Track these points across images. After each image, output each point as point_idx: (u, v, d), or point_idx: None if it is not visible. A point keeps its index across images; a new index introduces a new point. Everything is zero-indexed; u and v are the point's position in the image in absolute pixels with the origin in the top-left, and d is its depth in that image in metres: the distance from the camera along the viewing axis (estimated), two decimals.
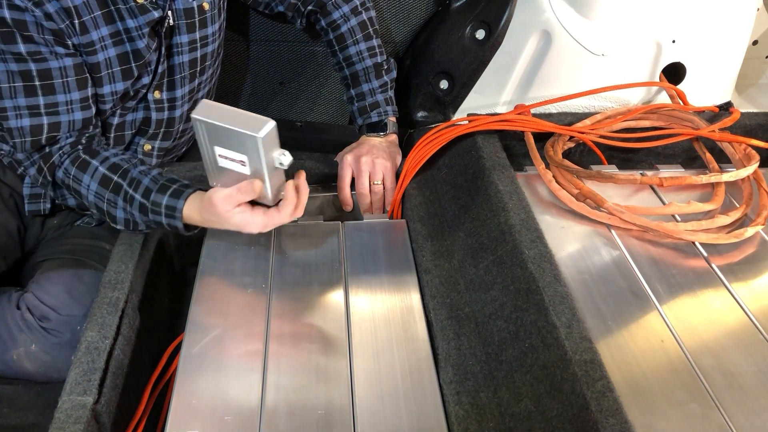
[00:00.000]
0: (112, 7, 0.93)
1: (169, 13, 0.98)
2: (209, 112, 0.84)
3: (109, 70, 0.96)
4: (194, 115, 0.84)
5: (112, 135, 1.06)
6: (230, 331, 0.89)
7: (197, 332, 0.89)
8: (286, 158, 0.86)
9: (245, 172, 0.88)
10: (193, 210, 0.91)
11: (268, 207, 0.93)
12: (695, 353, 0.79)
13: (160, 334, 1.03)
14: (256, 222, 0.91)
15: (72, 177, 0.95)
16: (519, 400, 0.79)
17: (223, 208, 0.88)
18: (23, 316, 1.01)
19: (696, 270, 0.93)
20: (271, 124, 0.83)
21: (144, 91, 1.03)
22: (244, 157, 0.86)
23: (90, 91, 0.96)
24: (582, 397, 0.70)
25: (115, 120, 1.04)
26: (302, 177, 0.94)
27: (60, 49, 0.91)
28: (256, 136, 0.81)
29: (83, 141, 0.97)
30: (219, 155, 0.87)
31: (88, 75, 0.95)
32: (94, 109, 0.98)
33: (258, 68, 1.41)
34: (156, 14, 0.95)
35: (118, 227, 0.96)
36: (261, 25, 1.34)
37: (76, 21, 0.90)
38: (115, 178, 0.94)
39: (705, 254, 0.96)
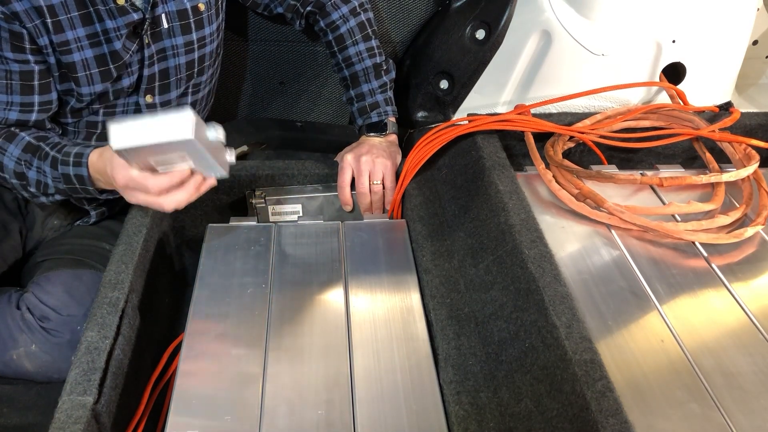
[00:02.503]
0: (91, 9, 0.92)
1: (162, 15, 0.98)
2: (126, 136, 0.76)
3: (87, 72, 0.96)
4: (115, 147, 0.77)
5: (98, 132, 1.06)
6: (230, 331, 0.89)
7: (197, 332, 0.89)
8: (220, 131, 0.83)
9: (189, 166, 0.85)
10: (99, 161, 0.90)
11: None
12: (695, 353, 0.79)
13: (160, 334, 1.03)
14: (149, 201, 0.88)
15: None
16: (519, 400, 0.79)
17: (123, 182, 0.85)
18: (23, 316, 1.01)
19: (696, 270, 0.93)
20: (190, 114, 0.76)
21: (129, 92, 1.03)
22: (182, 153, 0.82)
23: (38, 98, 0.96)
24: (582, 397, 0.70)
25: (99, 118, 1.05)
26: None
27: (9, 54, 0.91)
28: (190, 138, 0.75)
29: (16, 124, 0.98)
30: (156, 164, 0.83)
31: (37, 83, 0.95)
32: (39, 117, 0.97)
33: (258, 68, 1.41)
34: (135, 16, 0.95)
35: (31, 190, 0.96)
36: (261, 25, 1.34)
37: (49, 20, 0.90)
38: (39, 143, 0.95)
39: (705, 254, 0.96)
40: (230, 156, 0.90)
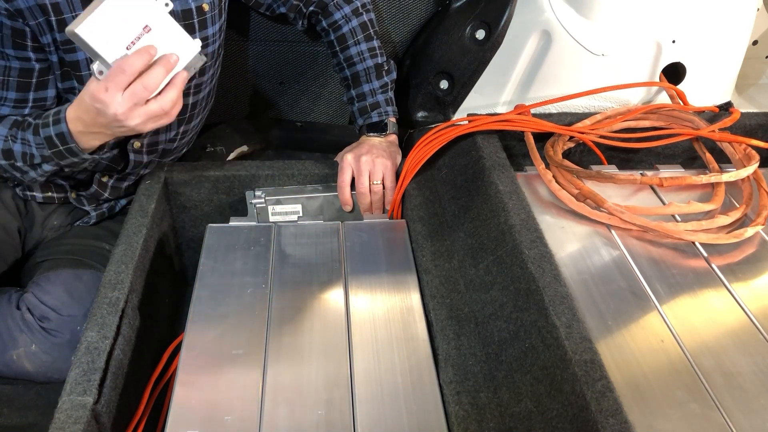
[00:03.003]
0: None
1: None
2: (81, 18, 0.77)
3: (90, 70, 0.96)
4: (75, 28, 0.76)
5: None
6: (230, 331, 0.89)
7: (197, 332, 0.89)
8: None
9: (158, 37, 0.82)
10: (77, 108, 0.86)
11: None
12: (695, 353, 0.79)
13: (160, 334, 1.03)
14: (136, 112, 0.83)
15: None
16: (519, 400, 0.79)
17: (101, 95, 0.81)
18: (23, 316, 1.01)
19: (696, 270, 0.93)
20: None
21: None
22: (144, 20, 0.80)
23: (33, 95, 0.95)
24: (582, 397, 0.70)
25: None
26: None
27: (10, 51, 0.91)
28: None
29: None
30: (126, 47, 0.80)
31: (35, 81, 0.95)
32: (31, 113, 0.97)
33: (258, 68, 1.41)
34: None
35: (18, 165, 0.94)
36: (261, 25, 1.34)
37: (53, 18, 0.90)
38: (25, 118, 0.94)
39: (705, 254, 0.96)
40: (194, 37, 0.86)
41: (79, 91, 0.97)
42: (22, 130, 0.93)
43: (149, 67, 0.81)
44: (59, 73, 0.97)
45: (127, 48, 0.80)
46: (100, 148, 0.94)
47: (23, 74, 0.94)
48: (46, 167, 0.95)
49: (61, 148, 0.90)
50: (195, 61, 0.86)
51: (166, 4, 0.82)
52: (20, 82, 0.94)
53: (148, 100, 0.82)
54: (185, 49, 0.84)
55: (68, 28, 0.78)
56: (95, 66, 0.81)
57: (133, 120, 0.83)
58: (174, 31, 0.83)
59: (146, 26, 0.81)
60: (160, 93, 0.83)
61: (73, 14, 0.91)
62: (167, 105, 0.84)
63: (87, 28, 0.78)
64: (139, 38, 0.81)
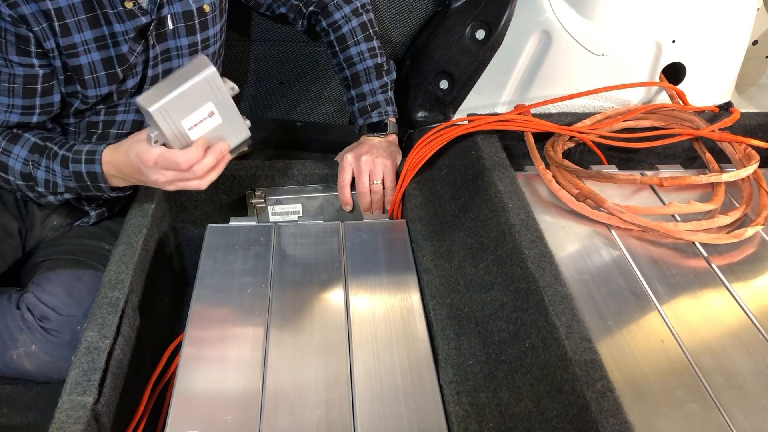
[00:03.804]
0: (99, 12, 0.92)
1: (168, 17, 0.98)
2: (156, 96, 0.81)
3: (94, 74, 0.96)
4: (152, 108, 0.80)
5: (98, 132, 1.06)
6: (230, 331, 0.89)
7: (197, 332, 0.89)
8: (232, 83, 0.86)
9: (218, 122, 0.86)
10: (116, 154, 0.90)
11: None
12: (695, 353, 0.79)
13: (160, 334, 1.03)
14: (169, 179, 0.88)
15: (1, 150, 0.95)
16: (519, 400, 0.79)
17: (146, 161, 0.85)
18: (23, 316, 1.01)
19: (696, 270, 0.93)
20: (204, 57, 0.84)
21: (132, 93, 1.03)
22: (211, 106, 0.84)
23: (40, 101, 0.96)
24: (582, 397, 0.70)
25: (101, 118, 1.05)
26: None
27: (14, 58, 0.91)
28: (212, 70, 0.82)
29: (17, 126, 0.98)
30: (189, 129, 0.85)
31: (40, 87, 0.95)
32: (40, 119, 0.98)
33: (258, 68, 1.41)
34: (144, 20, 0.95)
35: (39, 189, 0.96)
36: (261, 25, 1.34)
37: (56, 23, 0.90)
38: (45, 143, 0.95)
39: (705, 254, 0.96)
40: (246, 120, 0.90)
41: (83, 95, 0.98)
42: (47, 158, 0.94)
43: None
44: (62, 78, 0.97)
45: (189, 129, 0.85)
46: (125, 187, 0.98)
47: (28, 81, 0.94)
48: (67, 196, 0.98)
49: (89, 184, 0.94)
50: (242, 144, 0.91)
51: (232, 89, 0.86)
52: (26, 89, 0.94)
53: None
54: (237, 133, 0.89)
55: (141, 102, 0.81)
56: (153, 135, 0.84)
57: (168, 186, 0.90)
58: (233, 116, 0.87)
59: (211, 112, 0.85)
60: None
61: (76, 19, 0.91)
62: (204, 185, 0.90)
63: (161, 110, 0.81)
64: (202, 122, 0.85)
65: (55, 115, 1.01)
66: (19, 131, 0.97)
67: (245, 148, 0.92)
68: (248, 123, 0.90)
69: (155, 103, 0.80)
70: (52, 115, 1.00)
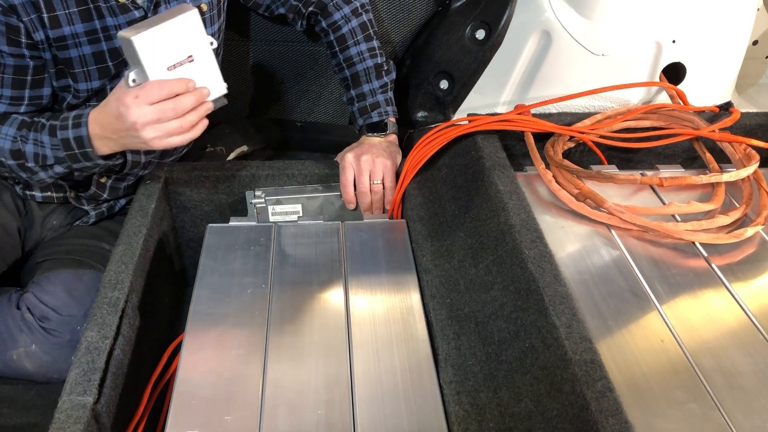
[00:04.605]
0: (92, 5, 0.92)
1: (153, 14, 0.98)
2: (139, 28, 0.83)
3: (85, 68, 0.96)
4: (134, 36, 0.81)
5: None
6: (230, 331, 0.89)
7: (197, 332, 0.89)
8: (209, 37, 0.89)
9: (197, 69, 0.88)
10: (101, 113, 0.89)
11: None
12: (695, 353, 0.79)
13: (160, 334, 1.03)
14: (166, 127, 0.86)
15: None
16: (519, 400, 0.79)
17: (129, 100, 0.84)
18: (23, 316, 1.01)
19: (696, 270, 0.93)
20: (188, 3, 0.89)
21: None
22: (191, 50, 0.87)
23: (29, 93, 0.96)
24: (582, 397, 0.70)
25: None
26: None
27: (5, 48, 0.91)
28: (193, 10, 0.85)
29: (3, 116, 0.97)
30: (167, 68, 0.86)
31: (30, 78, 0.95)
32: (28, 110, 0.97)
33: (258, 68, 1.41)
34: (137, 14, 0.95)
35: (29, 165, 0.94)
36: (261, 25, 1.34)
37: (45, 15, 0.90)
38: (33, 118, 0.95)
39: (705, 254, 0.96)
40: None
41: (74, 89, 0.98)
42: (34, 131, 0.93)
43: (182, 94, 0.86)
44: (53, 71, 0.97)
45: (168, 69, 0.86)
46: (113, 155, 0.95)
47: (18, 71, 0.94)
48: (58, 169, 0.96)
49: (77, 151, 0.92)
50: (219, 101, 0.92)
51: (211, 43, 0.89)
52: (15, 80, 0.94)
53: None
54: (215, 87, 0.91)
55: (122, 33, 0.83)
56: (131, 74, 0.85)
57: (149, 133, 0.86)
58: (212, 68, 0.90)
59: (190, 56, 0.87)
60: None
61: (67, 12, 0.91)
62: (187, 125, 0.87)
63: (142, 40, 0.82)
64: (181, 64, 0.87)
65: (49, 110, 1.01)
66: (9, 112, 0.96)
67: (224, 102, 0.93)
68: (225, 85, 0.92)
69: (137, 33, 0.82)
70: (40, 107, 0.99)
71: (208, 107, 0.90)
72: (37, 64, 0.95)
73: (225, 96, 0.93)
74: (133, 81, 0.85)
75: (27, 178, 0.99)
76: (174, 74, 0.86)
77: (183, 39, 0.86)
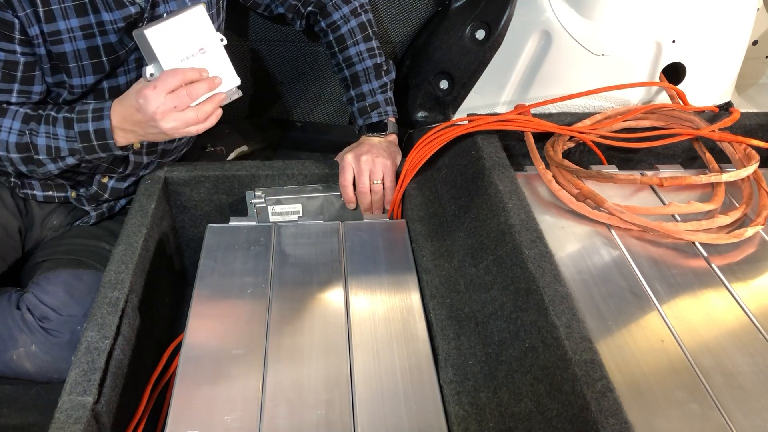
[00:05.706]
0: (87, 0, 0.92)
1: (165, 15, 0.98)
2: (151, 25, 0.88)
3: (79, 63, 0.96)
4: (147, 29, 0.87)
5: None
6: (230, 331, 0.89)
7: (197, 332, 0.89)
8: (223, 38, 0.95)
9: (209, 60, 0.92)
10: (122, 105, 0.92)
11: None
12: (695, 353, 0.79)
13: (160, 334, 1.03)
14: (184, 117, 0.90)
15: None
16: (519, 400, 0.79)
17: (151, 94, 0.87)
18: (23, 316, 1.01)
19: (696, 270, 0.93)
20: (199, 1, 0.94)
21: (125, 90, 1.03)
22: (202, 42, 0.92)
23: (18, 87, 0.96)
24: (582, 397, 0.70)
25: None
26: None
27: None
28: (200, 4, 0.91)
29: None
30: (181, 60, 0.90)
31: (20, 74, 0.95)
32: (18, 100, 0.97)
33: (258, 68, 1.41)
34: (132, 10, 0.94)
35: (39, 158, 0.95)
36: (261, 25, 1.34)
37: (41, 9, 0.90)
38: (37, 111, 0.96)
39: (705, 254, 0.96)
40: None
41: (69, 85, 0.98)
42: (45, 124, 0.94)
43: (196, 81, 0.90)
44: (48, 67, 0.97)
45: (181, 61, 0.91)
46: (128, 146, 0.98)
47: (8, 66, 0.94)
48: (70, 161, 0.97)
49: (95, 143, 0.94)
50: (232, 92, 0.96)
51: (222, 39, 0.94)
52: (4, 74, 0.94)
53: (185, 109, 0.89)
54: (227, 79, 0.95)
55: (137, 31, 0.88)
56: (149, 69, 0.90)
57: (168, 123, 0.89)
58: (223, 61, 0.95)
59: (202, 48, 0.92)
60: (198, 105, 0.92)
61: (62, 6, 0.91)
62: (203, 115, 0.91)
63: (155, 34, 0.88)
64: (194, 56, 0.92)
65: (46, 103, 1.01)
66: (5, 105, 0.96)
67: (238, 94, 0.97)
68: (238, 78, 0.95)
69: (149, 27, 0.87)
70: (31, 102, 0.99)
71: (222, 97, 0.93)
72: (29, 60, 0.94)
73: (239, 88, 0.96)
74: (151, 75, 0.89)
75: (27, 172, 0.99)
76: (188, 65, 0.91)
77: (193, 33, 0.91)
